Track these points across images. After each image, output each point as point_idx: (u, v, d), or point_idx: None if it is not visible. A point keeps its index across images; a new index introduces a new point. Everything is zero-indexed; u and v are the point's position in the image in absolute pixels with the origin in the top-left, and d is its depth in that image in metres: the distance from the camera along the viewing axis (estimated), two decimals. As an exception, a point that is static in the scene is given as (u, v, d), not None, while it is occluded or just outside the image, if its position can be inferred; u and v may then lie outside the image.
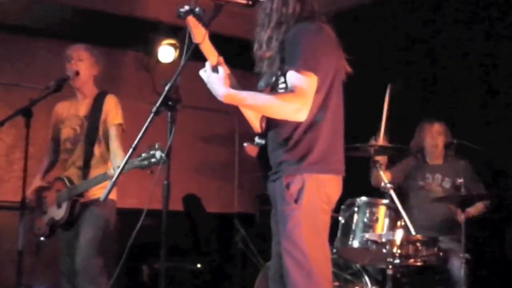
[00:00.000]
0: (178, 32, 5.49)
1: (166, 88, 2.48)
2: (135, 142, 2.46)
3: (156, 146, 3.24)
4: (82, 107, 3.97)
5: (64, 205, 3.80)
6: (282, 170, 2.58)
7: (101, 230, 3.80)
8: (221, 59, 2.53)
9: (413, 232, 4.03)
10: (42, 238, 3.93)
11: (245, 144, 2.72)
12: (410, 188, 4.71)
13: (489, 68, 4.96)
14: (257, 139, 2.70)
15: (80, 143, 3.89)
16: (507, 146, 4.61)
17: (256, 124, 2.73)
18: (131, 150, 2.50)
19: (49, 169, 4.15)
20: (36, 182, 4.01)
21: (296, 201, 2.52)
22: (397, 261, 3.80)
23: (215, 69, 2.49)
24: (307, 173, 2.54)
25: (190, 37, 2.55)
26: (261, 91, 2.63)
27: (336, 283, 4.18)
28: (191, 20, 2.48)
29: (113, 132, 3.87)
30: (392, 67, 5.48)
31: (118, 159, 3.74)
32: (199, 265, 5.85)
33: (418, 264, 3.93)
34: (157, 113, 2.46)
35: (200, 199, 6.34)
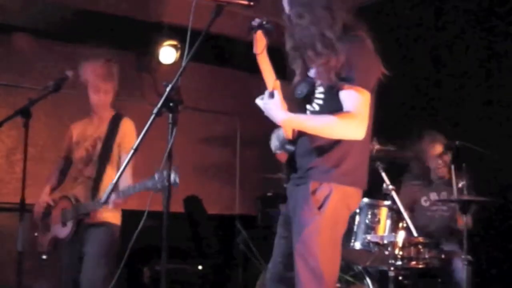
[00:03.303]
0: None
1: (167, 89, 2.48)
2: (136, 143, 2.46)
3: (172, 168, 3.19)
4: (97, 128, 3.95)
5: (70, 224, 3.78)
6: (310, 175, 2.60)
7: (106, 253, 3.75)
8: (278, 83, 2.56)
9: (415, 234, 4.02)
10: (44, 257, 3.91)
11: (278, 152, 2.77)
12: (415, 210, 4.66)
13: (492, 69, 4.94)
14: (287, 146, 2.74)
15: (91, 163, 3.87)
16: (509, 148, 4.59)
17: (288, 131, 2.75)
18: (132, 151, 2.49)
19: (54, 188, 4.10)
20: (44, 197, 3.97)
21: (319, 208, 2.54)
22: (399, 263, 3.80)
23: (271, 94, 2.55)
24: (336, 183, 2.57)
25: (191, 38, 2.54)
26: (301, 99, 2.67)
27: (338, 285, 4.16)
28: (259, 34, 2.53)
29: (126, 157, 3.81)
30: (392, 67, 5.45)
31: (125, 182, 3.64)
32: (200, 267, 5.84)
33: (420, 266, 3.92)
34: (158, 114, 2.46)
35: (202, 201, 6.32)
